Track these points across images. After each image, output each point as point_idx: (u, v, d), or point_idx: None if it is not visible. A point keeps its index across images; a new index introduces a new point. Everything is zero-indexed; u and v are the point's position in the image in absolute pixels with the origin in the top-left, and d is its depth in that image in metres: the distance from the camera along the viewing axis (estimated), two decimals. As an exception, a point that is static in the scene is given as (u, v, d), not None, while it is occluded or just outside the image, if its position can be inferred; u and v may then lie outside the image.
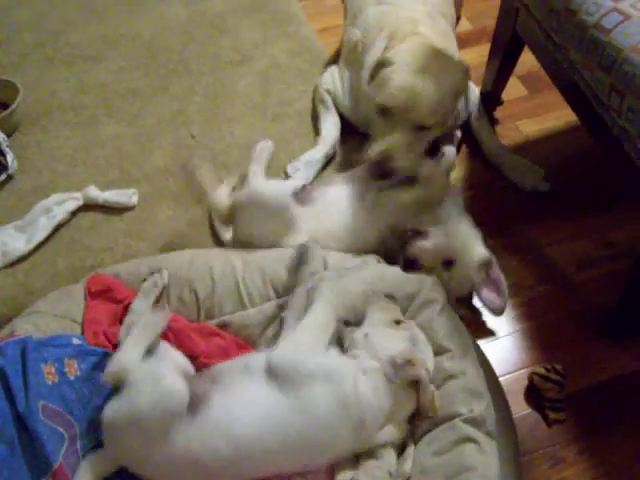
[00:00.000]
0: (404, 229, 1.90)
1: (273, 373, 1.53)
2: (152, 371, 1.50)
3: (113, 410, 1.48)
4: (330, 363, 1.55)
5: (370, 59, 2.17)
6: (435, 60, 2.00)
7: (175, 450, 1.45)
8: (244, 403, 1.51)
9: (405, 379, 1.50)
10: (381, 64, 2.05)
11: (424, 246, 1.87)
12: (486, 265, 1.91)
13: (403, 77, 1.98)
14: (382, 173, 1.98)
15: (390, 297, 1.65)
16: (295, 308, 1.71)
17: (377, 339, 1.57)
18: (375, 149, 2.00)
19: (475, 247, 1.92)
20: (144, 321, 1.64)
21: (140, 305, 1.75)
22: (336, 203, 2.00)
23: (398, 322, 1.59)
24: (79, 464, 1.53)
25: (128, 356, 1.54)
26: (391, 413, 1.52)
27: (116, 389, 1.52)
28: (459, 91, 2.04)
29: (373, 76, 2.09)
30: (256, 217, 1.95)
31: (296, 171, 2.26)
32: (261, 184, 1.98)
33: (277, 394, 1.50)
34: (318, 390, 1.49)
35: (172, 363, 1.56)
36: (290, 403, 1.49)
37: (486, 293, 1.92)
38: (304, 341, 1.57)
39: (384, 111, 2.02)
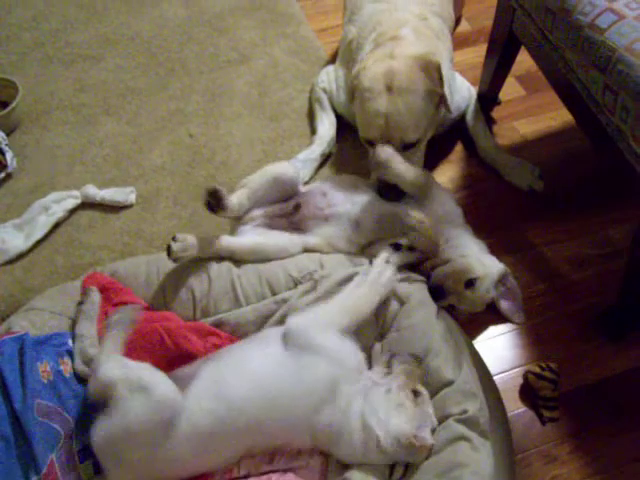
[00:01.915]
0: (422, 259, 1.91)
1: (286, 337, 1.59)
2: (138, 382, 1.48)
3: (104, 431, 1.47)
4: (345, 352, 1.58)
5: (361, 58, 2.16)
6: (400, 74, 1.96)
7: (179, 438, 1.47)
8: (240, 364, 1.57)
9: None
10: (352, 90, 2.06)
11: (447, 272, 1.86)
12: (504, 277, 1.92)
13: (374, 105, 1.96)
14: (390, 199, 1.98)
15: (417, 359, 1.65)
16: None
17: (392, 408, 1.54)
18: (374, 174, 2.01)
19: (491, 262, 1.92)
20: (112, 322, 1.65)
21: (85, 326, 1.72)
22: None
23: (416, 392, 1.58)
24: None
25: (108, 369, 1.51)
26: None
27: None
28: (432, 90, 1.99)
29: (352, 97, 2.10)
30: None
31: None
32: None
33: (281, 357, 1.56)
34: (319, 364, 1.53)
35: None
36: (290, 366, 1.54)
37: (505, 304, 1.92)
38: (328, 314, 1.64)
39: (369, 142, 2.03)
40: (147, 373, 1.51)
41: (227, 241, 1.89)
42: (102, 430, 1.47)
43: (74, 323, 1.75)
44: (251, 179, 2.00)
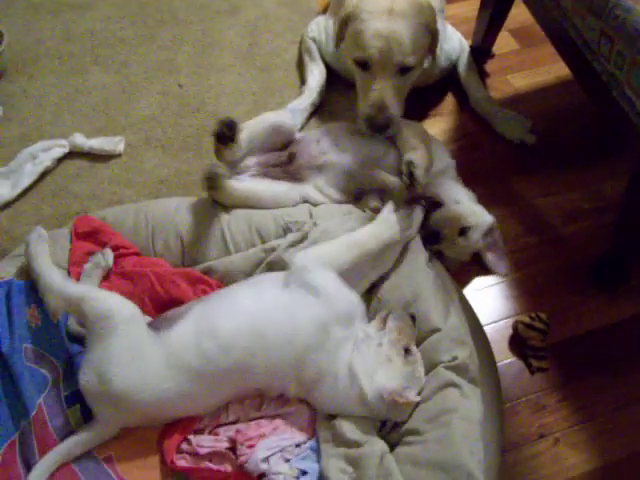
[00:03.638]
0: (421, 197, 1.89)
1: (289, 272, 1.60)
2: (99, 306, 1.50)
3: (91, 369, 1.48)
4: (341, 296, 1.57)
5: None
6: (399, 2, 1.95)
7: (159, 369, 1.47)
8: (231, 301, 1.57)
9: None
10: (345, 20, 2.02)
11: (446, 215, 1.87)
12: (491, 229, 1.94)
13: (374, 25, 1.93)
14: (379, 126, 1.96)
15: (412, 317, 1.65)
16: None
17: (381, 362, 1.54)
18: (366, 103, 1.97)
19: (481, 212, 1.94)
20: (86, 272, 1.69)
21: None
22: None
23: (407, 350, 1.57)
24: (63, 406, 1.54)
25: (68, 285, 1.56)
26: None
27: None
28: (431, 27, 2.00)
29: (341, 35, 2.07)
30: None
31: None
32: None
33: (275, 293, 1.57)
34: (313, 304, 1.53)
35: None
36: (283, 302, 1.54)
37: (490, 256, 1.95)
38: (334, 250, 1.64)
39: (364, 64, 1.98)
40: (102, 294, 1.56)
41: (232, 184, 1.87)
42: (86, 367, 1.48)
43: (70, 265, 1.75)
44: (249, 125, 1.97)
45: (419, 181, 1.77)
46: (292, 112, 2.28)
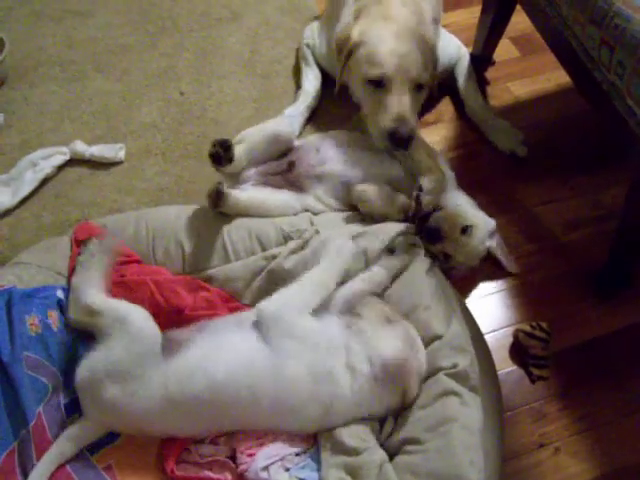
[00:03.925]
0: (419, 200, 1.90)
1: (259, 322, 1.54)
2: (117, 313, 1.51)
3: (89, 368, 1.48)
4: (322, 333, 1.54)
5: (344, 15, 2.14)
6: (398, 24, 1.98)
7: (155, 393, 1.46)
8: (223, 346, 1.52)
9: (393, 386, 1.51)
10: (351, 49, 2.02)
11: (445, 214, 1.88)
12: (492, 233, 1.98)
13: (387, 45, 1.95)
14: (403, 140, 1.94)
15: (379, 295, 1.64)
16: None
17: (372, 338, 1.54)
18: (385, 117, 1.96)
19: (483, 216, 1.97)
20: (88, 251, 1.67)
21: (82, 278, 1.68)
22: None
23: (389, 320, 1.58)
24: (63, 416, 1.53)
25: (93, 295, 1.55)
26: (366, 409, 1.53)
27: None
28: (432, 43, 2.03)
29: (341, 50, 2.06)
30: None
31: None
32: None
33: (257, 343, 1.51)
34: (296, 352, 1.49)
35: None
36: (266, 354, 1.49)
37: (502, 256, 2.02)
38: (297, 296, 1.57)
39: (378, 82, 1.97)
40: (125, 306, 1.54)
41: (236, 194, 1.87)
42: (85, 362, 1.49)
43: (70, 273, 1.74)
44: (249, 135, 1.98)
45: (423, 205, 1.82)
46: (289, 118, 2.28)
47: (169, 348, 1.51)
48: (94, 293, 1.55)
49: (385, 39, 1.96)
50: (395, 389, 1.52)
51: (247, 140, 1.95)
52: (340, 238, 1.74)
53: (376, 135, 1.99)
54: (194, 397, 1.46)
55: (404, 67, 1.94)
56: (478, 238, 1.89)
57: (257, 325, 1.55)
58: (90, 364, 1.49)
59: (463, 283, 2.02)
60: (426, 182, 1.87)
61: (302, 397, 1.48)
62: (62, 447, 1.48)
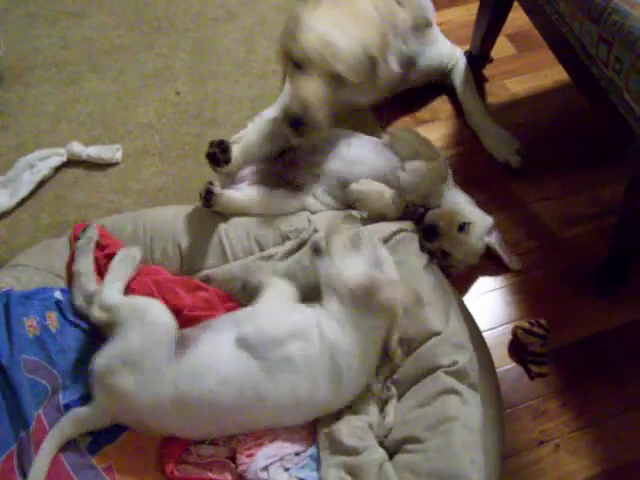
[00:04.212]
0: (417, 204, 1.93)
1: (249, 348, 1.53)
2: (136, 306, 1.54)
3: (106, 356, 1.49)
4: (294, 321, 1.55)
5: None
6: (348, 16, 1.86)
7: (165, 389, 1.46)
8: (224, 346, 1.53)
9: (375, 306, 1.51)
10: (294, 18, 1.90)
11: (441, 211, 1.89)
12: (491, 231, 1.98)
13: (318, 28, 1.82)
14: (300, 125, 1.85)
15: (349, 217, 1.64)
16: None
17: (337, 272, 1.56)
18: (294, 99, 1.86)
19: (480, 214, 1.97)
20: (119, 257, 1.68)
21: (82, 263, 1.71)
22: None
23: (355, 240, 1.59)
24: (63, 416, 1.52)
25: (110, 294, 1.58)
26: (362, 354, 1.53)
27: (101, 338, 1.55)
28: (371, 54, 1.88)
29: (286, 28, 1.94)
30: None
31: None
32: None
33: (247, 359, 1.51)
34: (290, 349, 1.50)
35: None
36: (261, 367, 1.49)
37: (504, 253, 2.03)
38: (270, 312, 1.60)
39: (297, 64, 1.87)
40: (144, 299, 1.58)
41: (230, 194, 1.87)
42: (104, 355, 1.50)
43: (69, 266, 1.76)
44: (245, 135, 1.97)
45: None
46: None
47: (182, 346, 1.51)
48: (113, 292, 1.60)
49: (319, 22, 1.84)
50: (378, 312, 1.53)
51: (244, 140, 1.94)
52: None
53: (282, 118, 1.92)
54: (201, 398, 1.46)
55: (324, 55, 1.80)
56: (476, 235, 1.89)
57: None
58: (107, 352, 1.50)
59: (462, 280, 2.02)
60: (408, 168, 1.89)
61: (308, 386, 1.50)
62: (64, 427, 1.49)
